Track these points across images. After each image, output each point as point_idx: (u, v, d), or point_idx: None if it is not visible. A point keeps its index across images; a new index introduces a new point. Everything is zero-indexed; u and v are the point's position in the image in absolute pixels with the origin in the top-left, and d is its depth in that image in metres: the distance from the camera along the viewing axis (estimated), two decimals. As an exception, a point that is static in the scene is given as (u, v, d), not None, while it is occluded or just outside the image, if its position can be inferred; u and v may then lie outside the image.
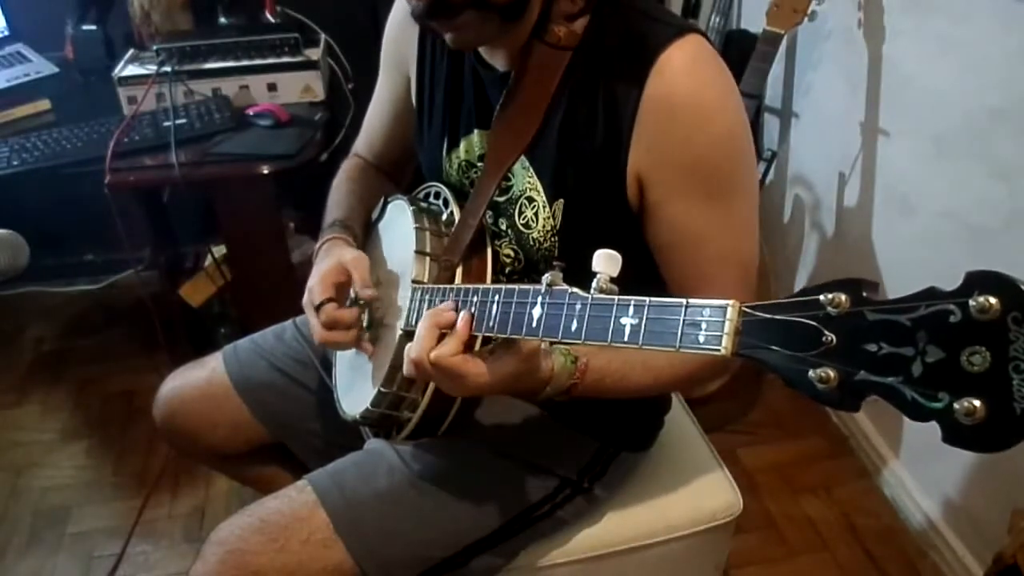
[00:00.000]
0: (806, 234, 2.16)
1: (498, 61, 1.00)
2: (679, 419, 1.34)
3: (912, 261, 1.75)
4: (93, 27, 1.97)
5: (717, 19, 2.18)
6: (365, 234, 1.21)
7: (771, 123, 2.24)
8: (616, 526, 1.19)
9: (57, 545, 1.84)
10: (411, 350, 0.83)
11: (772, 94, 2.18)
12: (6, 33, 2.14)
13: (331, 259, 1.07)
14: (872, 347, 0.47)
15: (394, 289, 1.09)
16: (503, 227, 1.05)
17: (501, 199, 1.04)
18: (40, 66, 2.06)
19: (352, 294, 1.05)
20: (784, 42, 1.86)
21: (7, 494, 1.97)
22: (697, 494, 1.24)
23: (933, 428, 0.45)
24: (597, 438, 1.13)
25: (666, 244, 0.96)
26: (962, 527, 1.70)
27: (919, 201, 1.72)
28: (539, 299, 0.73)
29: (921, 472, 1.82)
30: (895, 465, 1.90)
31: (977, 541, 1.65)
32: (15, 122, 1.85)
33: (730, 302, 0.55)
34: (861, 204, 1.91)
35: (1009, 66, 1.44)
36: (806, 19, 1.81)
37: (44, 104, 1.91)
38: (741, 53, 1.91)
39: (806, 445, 2.04)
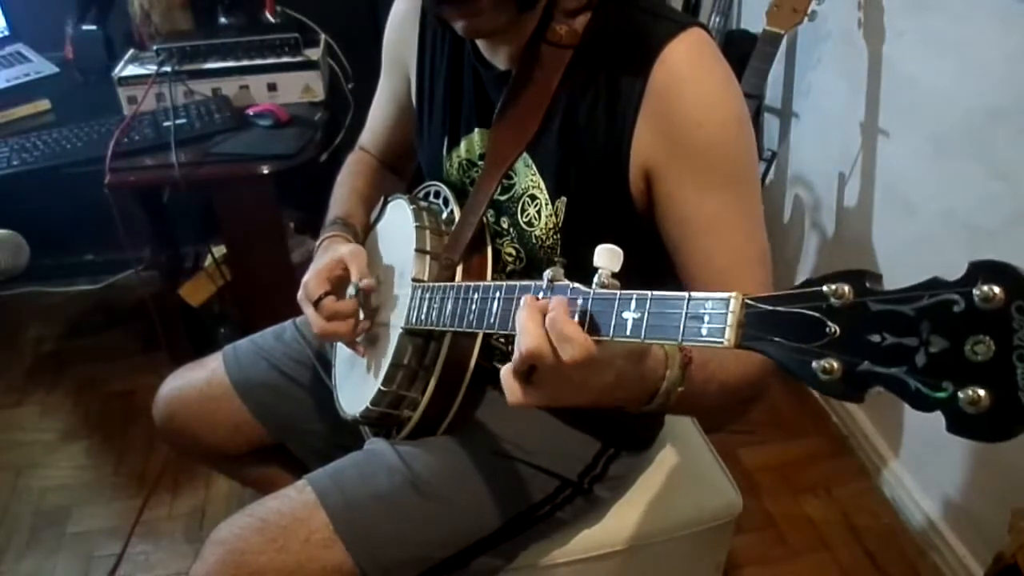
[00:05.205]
0: (806, 234, 2.16)
1: (499, 60, 1.00)
2: (679, 419, 1.34)
3: (912, 261, 1.75)
4: (93, 27, 1.96)
5: (717, 19, 2.19)
6: (365, 232, 1.21)
7: (771, 123, 2.24)
8: (616, 526, 1.18)
9: (57, 545, 1.84)
10: (524, 340, 0.66)
11: (772, 94, 2.18)
12: (6, 33, 2.14)
13: (328, 255, 1.08)
14: (876, 338, 0.47)
15: (394, 287, 1.09)
16: (505, 225, 1.05)
17: (503, 197, 1.03)
18: (40, 66, 2.06)
19: (351, 289, 1.05)
20: (784, 42, 1.86)
21: (7, 494, 1.97)
22: (697, 494, 1.23)
23: (933, 428, 0.44)
24: (597, 438, 1.13)
25: (681, 239, 0.92)
26: (962, 527, 1.70)
27: (919, 201, 1.72)
28: (540, 295, 0.72)
29: (921, 472, 1.82)
30: (895, 465, 1.90)
31: (977, 541, 1.65)
32: (15, 122, 1.85)
33: (732, 294, 0.55)
34: (861, 204, 1.91)
35: (1009, 66, 1.44)
36: (806, 19, 1.82)
37: (44, 104, 1.91)
38: (741, 53, 1.91)
39: (806, 445, 2.03)
